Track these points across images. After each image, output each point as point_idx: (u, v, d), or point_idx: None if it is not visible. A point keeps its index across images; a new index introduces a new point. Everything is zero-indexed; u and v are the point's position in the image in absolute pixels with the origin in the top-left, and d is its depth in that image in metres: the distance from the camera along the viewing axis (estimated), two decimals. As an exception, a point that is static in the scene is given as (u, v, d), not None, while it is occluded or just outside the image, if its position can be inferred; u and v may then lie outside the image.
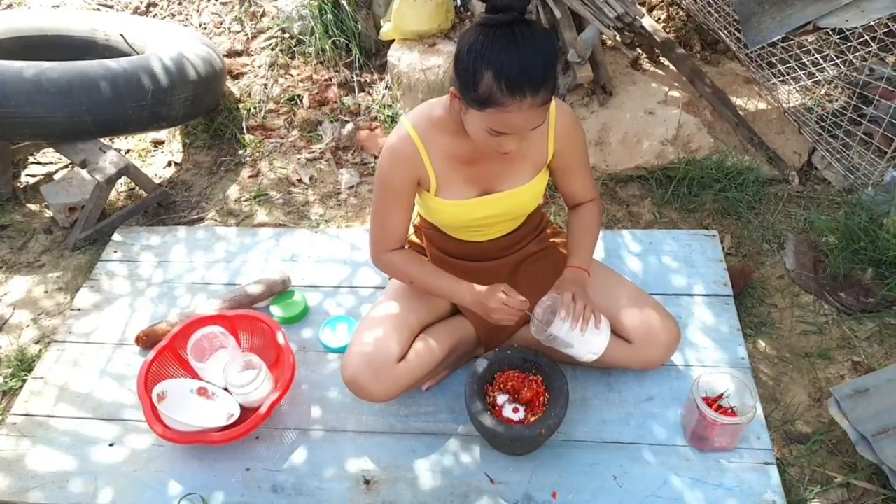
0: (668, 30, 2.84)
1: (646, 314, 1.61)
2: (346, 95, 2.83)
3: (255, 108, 2.82)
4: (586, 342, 1.48)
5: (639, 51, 2.78)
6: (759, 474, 1.54)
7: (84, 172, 2.35)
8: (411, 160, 1.44)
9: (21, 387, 1.87)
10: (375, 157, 2.59)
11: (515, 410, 1.57)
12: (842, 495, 1.57)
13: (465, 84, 1.23)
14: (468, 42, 1.21)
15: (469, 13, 2.81)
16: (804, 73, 2.22)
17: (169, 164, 2.68)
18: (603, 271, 1.71)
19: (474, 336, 1.70)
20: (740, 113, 2.48)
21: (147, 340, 1.86)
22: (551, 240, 1.75)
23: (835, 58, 2.13)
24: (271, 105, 2.84)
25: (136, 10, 3.29)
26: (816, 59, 2.16)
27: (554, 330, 1.44)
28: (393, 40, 2.80)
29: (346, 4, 2.84)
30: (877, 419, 1.52)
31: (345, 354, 1.59)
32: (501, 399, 1.58)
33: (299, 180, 2.55)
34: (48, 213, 2.47)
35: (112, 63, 2.28)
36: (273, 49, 3.01)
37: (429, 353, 1.61)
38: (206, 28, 3.19)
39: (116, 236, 2.27)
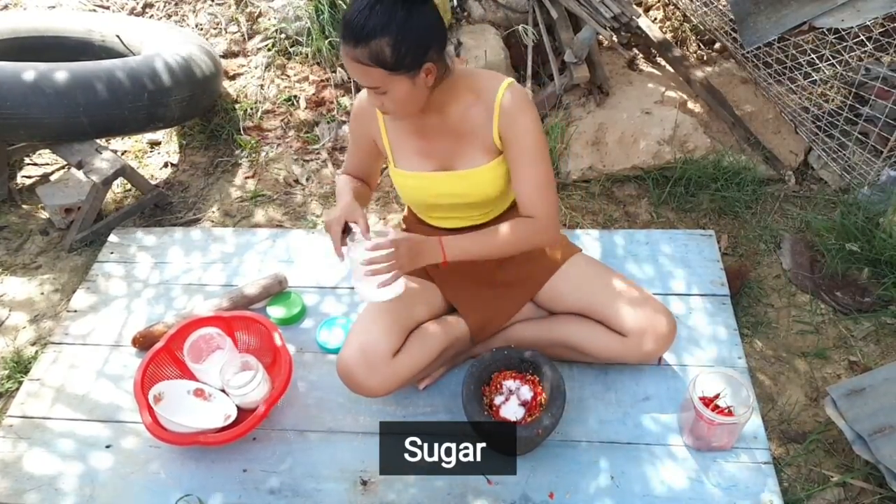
0: (664, 30, 2.85)
1: (639, 307, 1.60)
2: (343, 96, 2.83)
3: (251, 108, 2.81)
4: (368, 284, 1.43)
5: (635, 51, 2.79)
6: (756, 474, 1.54)
7: (80, 174, 2.34)
8: (368, 119, 1.55)
9: (17, 388, 1.86)
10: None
11: (513, 411, 1.57)
12: (838, 494, 1.57)
13: None
14: None
15: (466, 13, 2.81)
16: (800, 73, 2.23)
17: (165, 164, 2.68)
18: (593, 266, 1.70)
19: (469, 334, 1.70)
20: (737, 113, 2.49)
21: (144, 342, 1.86)
22: None
23: (831, 57, 2.14)
24: (268, 106, 2.84)
25: (132, 11, 3.28)
26: (812, 58, 2.16)
27: (350, 250, 1.43)
28: (390, 41, 2.79)
29: (342, 5, 2.84)
30: (873, 418, 1.52)
31: (341, 349, 1.60)
32: (499, 399, 1.58)
33: (296, 181, 2.55)
34: (44, 215, 2.47)
35: (108, 64, 2.28)
36: (269, 50, 3.00)
37: (424, 347, 1.61)
38: (202, 29, 3.19)
39: (113, 237, 2.26)
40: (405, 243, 1.43)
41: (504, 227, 1.50)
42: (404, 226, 1.83)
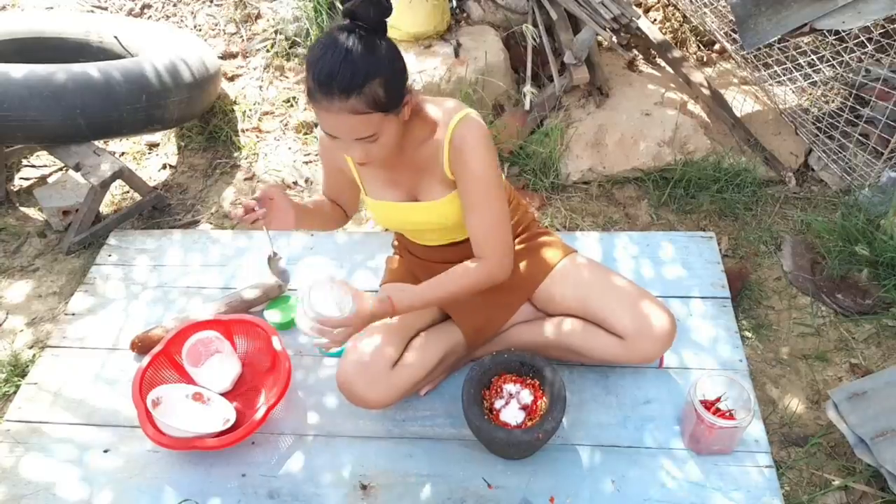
0: (664, 31, 2.84)
1: (636, 308, 1.57)
2: (342, 97, 2.82)
3: (250, 110, 2.81)
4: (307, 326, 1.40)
5: (635, 52, 2.78)
6: (757, 478, 1.53)
7: (78, 176, 2.33)
8: (334, 150, 1.50)
9: (15, 392, 1.85)
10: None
11: (513, 415, 1.56)
12: (840, 498, 1.56)
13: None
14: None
15: (465, 14, 2.81)
16: (800, 75, 2.22)
17: (164, 166, 2.67)
18: (590, 267, 1.67)
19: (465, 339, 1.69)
20: (737, 114, 2.48)
21: (142, 346, 1.85)
22: (540, 239, 1.73)
23: (831, 59, 2.13)
24: (267, 107, 2.83)
25: (130, 13, 3.28)
26: (813, 60, 2.16)
27: (301, 322, 1.39)
28: (388, 42, 2.79)
29: (340, 6, 2.83)
30: (875, 422, 1.52)
31: (339, 362, 1.59)
32: (499, 403, 1.57)
33: (295, 182, 2.54)
34: (42, 217, 2.46)
35: (106, 66, 2.27)
36: (268, 51, 3.00)
37: (422, 358, 1.60)
38: (200, 30, 3.18)
39: (111, 240, 2.25)
40: (357, 322, 1.40)
41: (453, 274, 1.48)
42: (396, 242, 1.82)
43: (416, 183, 1.50)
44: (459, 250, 1.65)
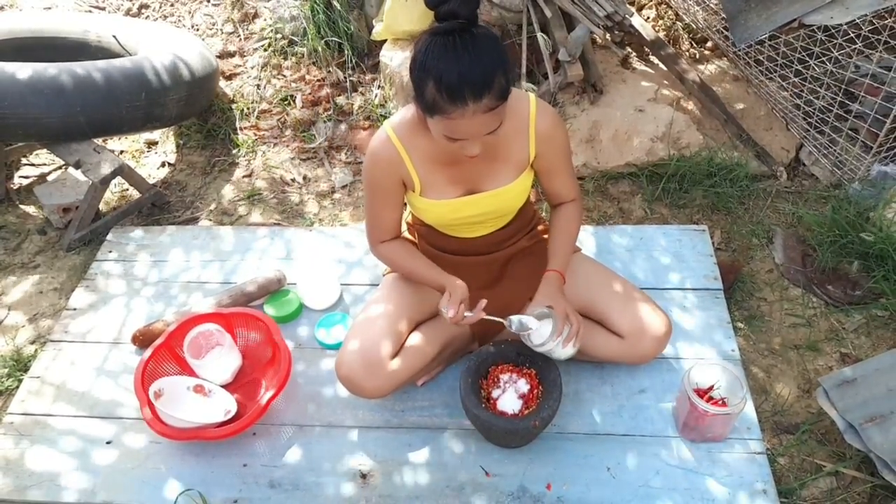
0: (657, 28, 2.87)
1: (637, 309, 1.63)
2: (339, 95, 2.85)
3: (248, 108, 2.82)
4: (561, 353, 1.54)
5: (628, 49, 2.81)
6: (749, 464, 1.56)
7: (78, 173, 2.35)
8: (393, 163, 1.47)
9: (17, 387, 1.87)
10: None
11: (510, 404, 1.58)
12: (831, 483, 1.59)
13: (416, 92, 1.28)
14: (415, 52, 1.25)
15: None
16: (791, 71, 2.25)
17: (163, 164, 2.69)
18: (593, 267, 1.73)
19: (468, 332, 1.72)
20: (729, 110, 2.51)
21: (143, 339, 1.87)
22: (544, 236, 1.77)
23: (821, 55, 2.16)
24: (264, 105, 2.85)
25: (128, 12, 3.29)
26: (803, 56, 2.19)
27: (541, 344, 1.50)
28: (385, 40, 2.81)
29: (337, 5, 2.85)
30: (864, 408, 1.55)
31: (339, 352, 1.61)
32: (496, 392, 1.60)
33: (293, 180, 2.57)
34: (42, 215, 2.48)
35: (105, 64, 2.29)
36: (265, 50, 3.02)
37: (422, 350, 1.62)
38: (198, 29, 3.20)
39: (111, 236, 2.27)
40: (562, 300, 1.52)
41: (569, 222, 1.62)
42: (416, 241, 1.77)
43: (482, 173, 1.50)
44: (503, 234, 1.68)
